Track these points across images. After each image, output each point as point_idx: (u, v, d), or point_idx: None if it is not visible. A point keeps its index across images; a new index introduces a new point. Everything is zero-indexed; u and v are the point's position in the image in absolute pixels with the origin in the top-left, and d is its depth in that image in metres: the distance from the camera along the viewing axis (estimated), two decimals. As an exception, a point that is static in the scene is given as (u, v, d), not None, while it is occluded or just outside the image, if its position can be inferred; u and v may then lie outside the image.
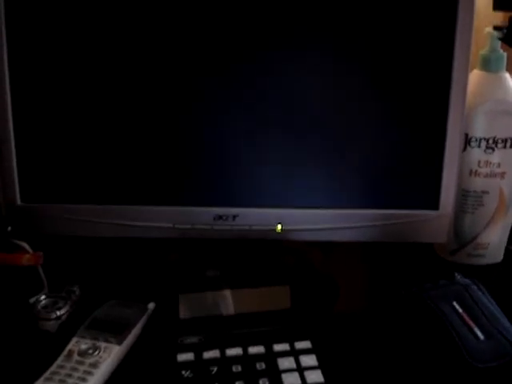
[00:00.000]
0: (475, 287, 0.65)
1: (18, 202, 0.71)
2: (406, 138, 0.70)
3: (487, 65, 0.73)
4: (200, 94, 0.68)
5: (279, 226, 0.71)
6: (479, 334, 0.60)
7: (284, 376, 0.58)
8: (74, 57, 0.67)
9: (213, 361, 0.60)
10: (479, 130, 0.73)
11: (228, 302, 0.65)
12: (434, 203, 0.71)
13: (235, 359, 0.60)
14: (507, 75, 0.73)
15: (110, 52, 0.67)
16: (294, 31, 0.67)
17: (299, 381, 0.58)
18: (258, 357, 0.60)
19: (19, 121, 0.69)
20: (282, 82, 0.68)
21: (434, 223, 0.72)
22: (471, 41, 0.67)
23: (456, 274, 0.67)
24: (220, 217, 0.71)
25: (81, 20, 0.66)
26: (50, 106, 0.69)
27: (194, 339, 0.62)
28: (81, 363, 0.58)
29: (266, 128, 0.69)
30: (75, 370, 0.58)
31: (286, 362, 0.60)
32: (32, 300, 0.68)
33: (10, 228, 0.72)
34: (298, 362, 0.60)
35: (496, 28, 0.72)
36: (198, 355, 0.60)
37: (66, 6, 0.66)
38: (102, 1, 0.66)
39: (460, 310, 0.62)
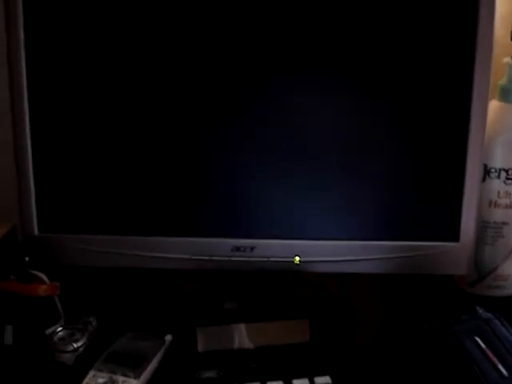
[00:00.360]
0: (497, 321, 0.64)
1: (36, 232, 0.71)
2: (426, 169, 0.69)
3: (506, 95, 0.73)
4: (218, 127, 0.68)
5: (297, 258, 0.70)
6: (503, 370, 0.59)
7: (304, 412, 0.57)
8: (92, 95, 0.68)
9: (231, 395, 0.59)
10: (498, 160, 0.73)
11: (246, 335, 0.65)
12: (454, 235, 0.70)
13: (254, 394, 0.59)
14: (526, 106, 0.73)
15: (128, 90, 0.67)
16: (306, 62, 0.67)
17: (319, 417, 0.57)
18: (277, 392, 0.59)
19: (38, 152, 0.69)
20: (298, 116, 0.68)
21: (454, 255, 0.71)
22: (490, 71, 0.67)
23: (478, 308, 0.66)
24: (238, 248, 0.70)
25: (96, 62, 0.67)
26: (67, 137, 0.69)
27: (211, 373, 0.62)
28: (98, 398, 0.58)
29: (283, 161, 0.69)
30: (92, 404, 0.57)
31: (305, 398, 0.59)
32: (49, 331, 0.67)
33: (27, 258, 0.72)
34: (317, 397, 0.59)
35: (515, 58, 0.72)
36: (216, 390, 0.60)
37: (86, 46, 0.67)
38: (114, 38, 0.67)
39: (483, 346, 0.61)
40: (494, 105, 0.73)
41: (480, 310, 0.66)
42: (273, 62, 0.67)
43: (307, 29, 0.66)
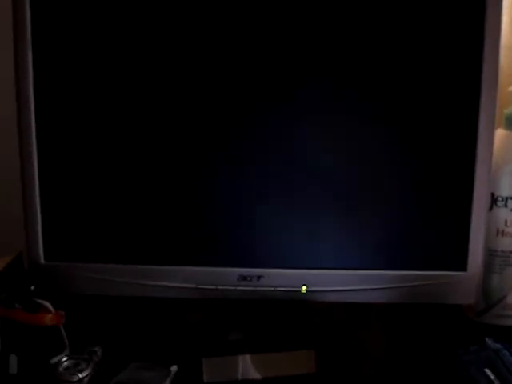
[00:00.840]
0: (507, 352, 0.63)
1: (42, 260, 0.71)
2: (433, 198, 0.69)
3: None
4: (224, 157, 0.68)
5: (304, 288, 0.69)
6: (513, 402, 0.58)
7: None
8: (98, 123, 0.68)
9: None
10: (505, 189, 0.73)
11: (252, 366, 0.64)
12: (461, 264, 0.70)
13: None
14: (532, 134, 0.73)
15: (136, 116, 0.68)
16: (310, 91, 0.67)
17: None
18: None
19: (45, 180, 0.69)
20: (305, 146, 0.68)
21: (462, 284, 0.71)
22: (496, 100, 0.67)
23: (487, 339, 0.65)
24: (244, 277, 0.70)
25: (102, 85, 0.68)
26: (74, 167, 0.69)
27: (217, 404, 0.61)
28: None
29: (290, 191, 0.69)
30: None
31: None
32: (54, 361, 0.67)
33: (33, 287, 0.72)
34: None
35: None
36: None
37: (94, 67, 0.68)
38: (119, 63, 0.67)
39: (492, 377, 0.60)
40: (500, 133, 0.73)
41: (489, 341, 0.65)
42: (271, 92, 0.67)
43: (309, 51, 0.66)
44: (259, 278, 0.70)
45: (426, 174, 0.68)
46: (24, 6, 0.66)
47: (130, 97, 0.68)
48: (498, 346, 0.64)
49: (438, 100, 0.67)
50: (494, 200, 0.73)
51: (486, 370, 0.61)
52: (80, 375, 0.65)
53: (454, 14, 0.66)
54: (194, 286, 0.70)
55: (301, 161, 0.68)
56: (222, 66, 0.67)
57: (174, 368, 0.65)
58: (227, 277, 0.70)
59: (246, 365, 0.64)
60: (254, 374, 0.64)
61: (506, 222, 0.73)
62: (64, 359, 0.67)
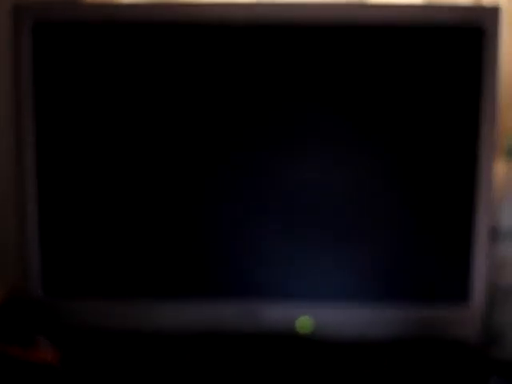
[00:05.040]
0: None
1: (41, 295, 0.71)
2: (433, 232, 0.69)
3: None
4: (224, 195, 0.69)
5: (304, 323, 0.69)
6: None
7: None
8: (99, 160, 0.69)
9: None
10: (508, 221, 0.72)
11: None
12: (464, 298, 0.69)
13: None
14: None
15: (137, 151, 0.69)
16: (309, 131, 0.68)
17: None
18: None
19: (44, 217, 0.70)
20: (304, 182, 0.68)
21: (465, 318, 0.70)
22: (496, 132, 0.67)
23: (491, 378, 0.64)
24: (243, 313, 0.69)
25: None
26: (74, 203, 0.70)
27: None
28: None
29: (290, 228, 0.69)
30: None
31: None
32: (49, 397, 0.66)
33: (30, 322, 0.71)
34: None
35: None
36: None
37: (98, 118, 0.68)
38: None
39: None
40: (501, 165, 0.73)
41: (493, 379, 0.64)
42: (272, 131, 0.68)
43: (312, 94, 0.67)
44: (259, 312, 0.69)
45: (428, 209, 0.68)
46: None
47: (130, 137, 0.68)
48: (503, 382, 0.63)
49: (439, 133, 0.67)
50: (496, 233, 0.72)
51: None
52: (76, 413, 0.64)
53: (451, 52, 0.66)
54: (194, 320, 0.70)
55: (301, 196, 0.68)
56: (226, 109, 0.68)
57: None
58: (227, 312, 0.69)
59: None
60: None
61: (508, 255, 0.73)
62: (60, 396, 0.66)
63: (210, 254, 0.70)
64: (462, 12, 0.66)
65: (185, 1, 0.67)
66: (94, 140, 0.68)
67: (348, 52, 0.66)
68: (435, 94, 0.67)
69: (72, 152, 0.69)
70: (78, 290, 0.71)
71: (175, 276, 0.70)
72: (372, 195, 0.68)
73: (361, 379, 0.70)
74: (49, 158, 0.69)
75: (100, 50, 0.67)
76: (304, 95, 0.67)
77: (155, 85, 0.67)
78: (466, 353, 0.76)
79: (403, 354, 0.75)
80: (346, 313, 0.69)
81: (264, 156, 0.68)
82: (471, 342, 0.76)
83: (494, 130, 0.67)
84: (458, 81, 0.66)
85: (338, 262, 0.69)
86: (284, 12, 0.66)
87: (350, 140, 0.68)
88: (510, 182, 0.72)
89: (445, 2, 0.67)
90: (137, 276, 0.70)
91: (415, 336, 0.70)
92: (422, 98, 0.67)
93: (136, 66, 0.67)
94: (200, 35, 0.66)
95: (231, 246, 0.69)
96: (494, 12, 0.66)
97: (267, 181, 0.68)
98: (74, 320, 0.71)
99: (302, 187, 0.68)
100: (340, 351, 0.72)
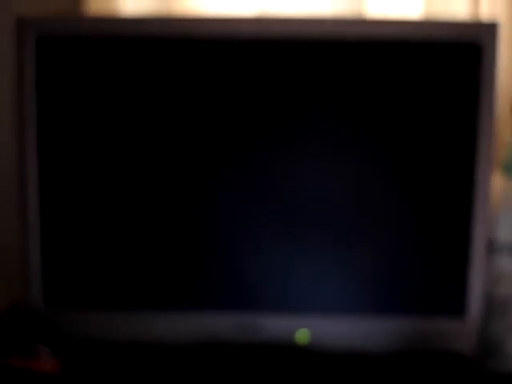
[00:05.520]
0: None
1: (41, 306, 0.71)
2: (431, 246, 0.69)
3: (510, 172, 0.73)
4: (226, 202, 0.69)
5: (303, 335, 0.69)
6: None
7: None
8: (101, 171, 0.69)
9: None
10: (505, 234, 0.73)
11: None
12: (460, 311, 0.70)
13: None
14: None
15: (137, 162, 0.69)
16: (309, 133, 0.68)
17: None
18: None
19: (46, 229, 0.70)
20: (304, 188, 0.69)
21: (461, 331, 0.70)
22: (493, 146, 0.67)
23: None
24: (241, 325, 0.70)
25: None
26: (75, 216, 0.70)
27: None
28: None
29: (290, 237, 0.69)
30: None
31: None
32: (50, 408, 0.66)
33: (31, 333, 0.72)
34: None
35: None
36: None
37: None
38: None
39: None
40: (498, 179, 0.73)
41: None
42: (274, 134, 0.68)
43: (313, 100, 0.68)
44: (257, 324, 0.70)
45: (425, 222, 0.69)
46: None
47: (133, 148, 0.69)
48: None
49: (437, 147, 0.68)
50: (493, 246, 0.73)
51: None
52: (76, 424, 0.64)
53: (449, 68, 0.67)
54: (193, 331, 0.70)
55: (301, 205, 0.69)
56: (227, 112, 0.68)
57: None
58: (225, 323, 0.70)
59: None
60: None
61: (504, 268, 0.73)
62: (61, 406, 0.66)
63: (210, 266, 0.70)
64: (460, 28, 0.66)
65: (187, 15, 0.68)
66: (97, 151, 0.69)
67: (347, 67, 0.67)
68: (433, 109, 0.67)
69: (73, 162, 0.69)
70: (78, 301, 0.71)
71: (175, 288, 0.71)
72: (371, 206, 0.69)
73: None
74: (51, 171, 0.69)
75: (103, 64, 0.67)
76: (305, 105, 0.68)
77: (157, 97, 0.68)
78: (462, 365, 0.77)
79: (400, 366, 0.76)
80: (343, 325, 0.70)
81: (264, 157, 0.68)
82: (467, 355, 0.76)
83: (492, 144, 0.67)
84: (456, 96, 0.67)
85: (335, 275, 0.70)
86: (290, 28, 0.67)
87: (348, 158, 0.68)
88: (507, 196, 0.73)
89: (443, 17, 0.68)
90: (137, 288, 0.71)
91: (412, 348, 0.71)
92: (420, 114, 0.67)
93: (138, 80, 0.68)
94: (204, 49, 0.67)
95: (231, 259, 0.70)
96: (492, 28, 0.66)
97: (267, 183, 0.69)
98: (74, 331, 0.71)
99: (302, 189, 0.69)
100: (337, 363, 0.73)
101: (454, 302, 0.70)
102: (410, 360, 0.74)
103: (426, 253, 0.69)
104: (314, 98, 0.68)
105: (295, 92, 0.67)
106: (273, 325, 0.70)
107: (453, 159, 0.68)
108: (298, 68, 0.67)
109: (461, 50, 0.66)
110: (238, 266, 0.70)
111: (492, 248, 0.73)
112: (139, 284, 0.71)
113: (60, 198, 0.70)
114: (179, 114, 0.68)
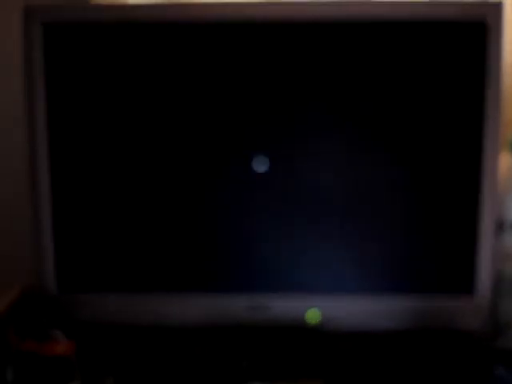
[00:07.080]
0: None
1: (54, 291, 0.72)
2: (439, 226, 0.70)
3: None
4: (234, 189, 0.70)
5: (313, 315, 0.70)
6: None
7: None
8: (111, 163, 0.70)
9: None
10: (512, 213, 0.73)
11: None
12: (469, 289, 0.70)
13: None
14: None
15: (148, 154, 0.70)
16: (320, 130, 0.68)
17: None
18: None
19: (57, 214, 0.71)
20: (313, 174, 0.69)
21: (471, 309, 0.71)
22: (500, 125, 0.67)
23: (495, 369, 0.65)
24: (253, 306, 0.70)
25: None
26: (87, 201, 0.71)
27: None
28: None
29: (302, 222, 0.70)
30: None
31: None
32: (65, 391, 0.67)
33: (45, 317, 0.73)
34: None
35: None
36: None
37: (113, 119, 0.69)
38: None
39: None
40: (505, 157, 0.74)
41: (497, 370, 0.65)
42: (279, 127, 0.69)
43: (320, 93, 0.68)
44: (268, 306, 0.70)
45: (433, 201, 0.69)
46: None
47: (141, 136, 0.69)
48: (509, 377, 0.64)
49: (444, 127, 0.68)
50: (501, 224, 0.73)
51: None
52: (91, 405, 0.65)
53: (455, 47, 0.67)
54: (203, 313, 0.71)
55: (309, 190, 0.69)
56: (231, 107, 0.69)
57: (184, 397, 0.66)
58: (236, 305, 0.70)
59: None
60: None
61: (513, 246, 0.74)
62: (76, 389, 0.67)
63: (221, 249, 0.71)
64: (466, 7, 0.66)
65: (193, 1, 0.68)
66: (107, 140, 0.69)
67: (353, 49, 0.67)
68: (439, 89, 0.67)
69: (83, 152, 0.70)
70: (90, 285, 0.72)
71: (186, 271, 0.71)
72: (377, 189, 0.69)
73: (368, 369, 0.71)
74: (61, 158, 0.70)
75: (109, 51, 0.68)
76: (308, 92, 0.68)
77: (164, 83, 0.68)
78: (471, 343, 0.77)
79: (410, 344, 0.76)
80: (353, 305, 0.70)
81: (269, 157, 0.69)
82: (477, 333, 0.77)
83: (499, 123, 0.67)
84: (462, 75, 0.67)
85: (345, 255, 0.70)
86: (291, 11, 0.67)
87: (356, 134, 0.68)
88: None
89: (449, -3, 0.68)
90: (148, 271, 0.71)
91: (421, 327, 0.71)
92: (426, 93, 0.68)
93: (145, 66, 0.68)
94: (209, 34, 0.67)
95: (242, 240, 0.70)
96: (497, 7, 0.67)
97: (274, 177, 0.69)
98: (87, 314, 0.72)
99: (313, 171, 0.69)
100: (347, 342, 0.73)
101: (463, 280, 0.70)
102: (419, 338, 0.75)
103: (435, 232, 0.70)
104: (318, 83, 0.68)
105: (301, 79, 0.68)
106: (284, 305, 0.70)
107: (460, 138, 0.68)
108: (303, 52, 0.67)
109: (467, 29, 0.66)
110: (249, 248, 0.70)
111: (500, 227, 0.73)
112: (151, 267, 0.71)
113: (72, 182, 0.70)
114: (186, 100, 0.68)
